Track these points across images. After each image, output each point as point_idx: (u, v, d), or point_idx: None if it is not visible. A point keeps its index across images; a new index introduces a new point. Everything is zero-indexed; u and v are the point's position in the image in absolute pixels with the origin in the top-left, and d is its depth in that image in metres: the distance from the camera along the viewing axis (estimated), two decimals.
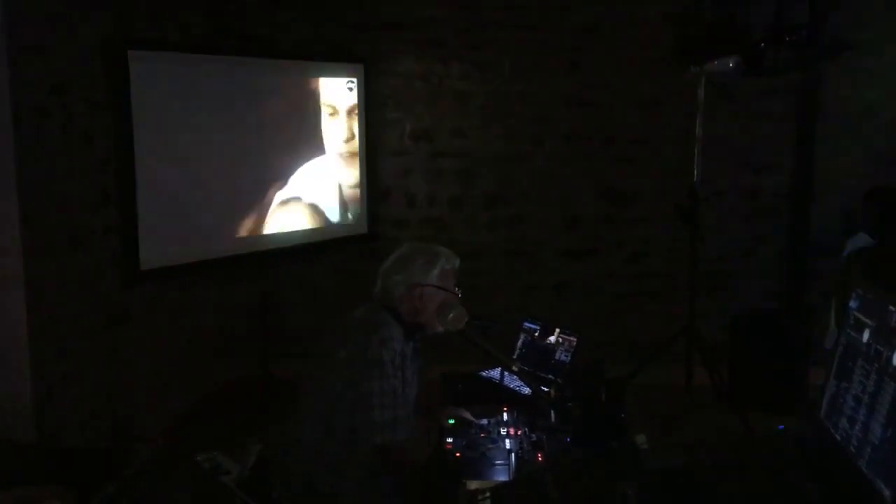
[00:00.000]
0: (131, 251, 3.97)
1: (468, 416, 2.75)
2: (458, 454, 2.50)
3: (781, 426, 1.75)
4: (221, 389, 4.96)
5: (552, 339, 3.35)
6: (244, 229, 4.59)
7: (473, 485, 2.17)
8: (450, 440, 2.59)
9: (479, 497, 1.98)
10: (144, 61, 3.97)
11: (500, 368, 3.16)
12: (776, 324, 4.89)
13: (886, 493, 1.24)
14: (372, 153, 5.25)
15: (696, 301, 4.79)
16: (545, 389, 2.93)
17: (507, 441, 2.58)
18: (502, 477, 2.33)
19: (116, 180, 3.96)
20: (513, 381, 3.17)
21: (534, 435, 2.62)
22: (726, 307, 5.17)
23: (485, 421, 2.74)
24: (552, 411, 2.67)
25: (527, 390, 2.96)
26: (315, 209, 4.99)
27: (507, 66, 5.26)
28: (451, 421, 2.73)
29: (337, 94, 5.02)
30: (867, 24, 4.88)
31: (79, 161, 3.69)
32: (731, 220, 5.27)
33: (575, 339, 3.29)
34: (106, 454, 3.04)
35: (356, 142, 5.15)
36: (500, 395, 3.05)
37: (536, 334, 3.41)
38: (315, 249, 5.03)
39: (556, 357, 3.30)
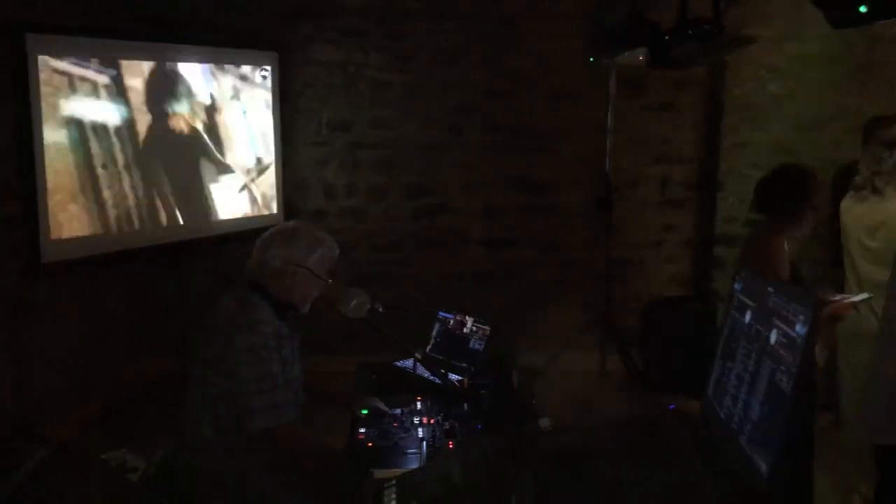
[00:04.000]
0: (32, 244, 3.83)
1: (381, 405, 2.75)
2: (370, 444, 2.50)
3: (672, 405, 1.81)
4: (137, 387, 4.83)
5: (466, 328, 3.37)
6: (155, 219, 4.47)
7: (381, 473, 2.17)
8: (362, 430, 2.58)
9: (385, 485, 1.99)
10: (44, 45, 3.82)
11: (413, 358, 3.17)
12: (685, 309, 5.04)
13: (763, 467, 1.29)
14: (287, 143, 5.18)
15: (610, 289, 4.91)
16: (459, 378, 2.96)
17: (420, 430, 2.59)
18: (413, 465, 2.34)
19: (18, 171, 3.80)
20: (427, 371, 3.18)
21: (447, 423, 2.63)
22: (639, 294, 5.32)
23: (398, 410, 2.75)
24: (463, 399, 2.70)
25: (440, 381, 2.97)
26: (229, 199, 4.90)
27: (426, 56, 5.26)
28: (364, 411, 2.72)
29: (250, 81, 4.93)
30: (769, 20, 5.07)
31: None
32: (643, 210, 5.41)
33: (488, 328, 3.32)
34: (5, 452, 2.92)
35: (271, 131, 5.08)
36: (415, 385, 3.06)
37: (451, 324, 3.43)
38: (229, 240, 4.93)
39: (470, 346, 3.32)
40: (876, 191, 3.29)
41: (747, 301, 1.56)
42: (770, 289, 1.43)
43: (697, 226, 5.42)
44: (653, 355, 5.02)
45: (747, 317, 1.54)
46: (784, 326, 1.35)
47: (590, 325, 4.87)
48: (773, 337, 1.39)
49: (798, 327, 1.30)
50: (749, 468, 1.34)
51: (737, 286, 1.64)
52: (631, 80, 4.99)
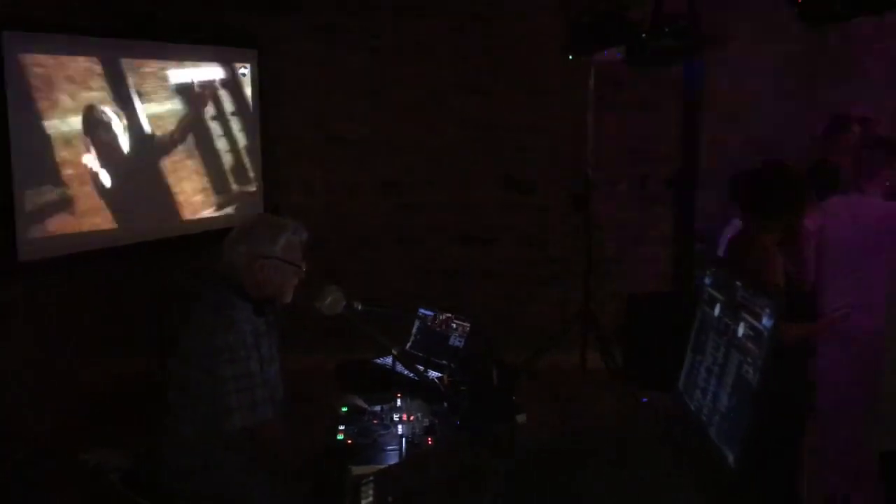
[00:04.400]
0: (8, 242, 3.79)
1: (361, 403, 2.76)
2: (349, 441, 2.50)
3: (644, 399, 1.83)
4: (117, 386, 4.81)
5: (446, 325, 3.38)
6: (134, 219, 4.44)
7: (359, 470, 2.18)
8: (342, 427, 2.59)
9: (363, 481, 1.99)
10: (22, 43, 3.79)
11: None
12: (666, 306, 5.08)
13: (730, 457, 1.31)
14: (266, 140, 5.16)
15: (591, 286, 4.93)
16: (439, 375, 2.96)
17: (400, 427, 2.60)
18: (392, 462, 2.35)
19: None
20: (406, 368, 3.19)
21: (426, 420, 2.64)
22: (619, 291, 5.34)
23: (378, 408, 2.75)
24: (443, 396, 2.71)
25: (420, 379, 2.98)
26: (209, 197, 4.88)
27: (405, 52, 5.26)
28: (345, 409, 2.72)
29: (229, 78, 4.91)
30: (746, 18, 5.11)
31: None
32: (623, 208, 5.45)
33: (468, 325, 3.33)
34: None
35: (249, 128, 5.06)
36: (395, 382, 3.07)
37: (431, 321, 3.44)
38: (211, 239, 4.90)
39: (450, 342, 3.33)
40: (860, 190, 3.34)
41: (717, 295, 1.58)
42: (738, 283, 1.46)
43: (677, 223, 5.46)
44: (633, 352, 5.05)
45: (717, 310, 1.57)
46: (751, 319, 1.37)
47: (570, 323, 4.90)
48: (741, 330, 1.41)
49: (764, 320, 1.32)
50: (717, 459, 1.36)
51: (707, 280, 1.67)
52: (610, 78, 5.02)
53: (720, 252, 3.86)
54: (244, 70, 4.96)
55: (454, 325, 3.35)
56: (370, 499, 1.89)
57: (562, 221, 5.34)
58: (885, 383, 2.63)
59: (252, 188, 5.11)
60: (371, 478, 2.00)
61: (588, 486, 1.44)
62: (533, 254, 5.49)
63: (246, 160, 5.07)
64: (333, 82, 5.27)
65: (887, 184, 3.24)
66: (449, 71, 5.29)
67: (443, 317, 3.38)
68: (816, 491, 3.26)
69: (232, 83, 4.93)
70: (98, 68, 4.20)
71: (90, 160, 4.19)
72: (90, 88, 4.16)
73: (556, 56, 5.11)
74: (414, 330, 3.48)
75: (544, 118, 5.32)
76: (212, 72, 4.83)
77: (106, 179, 4.28)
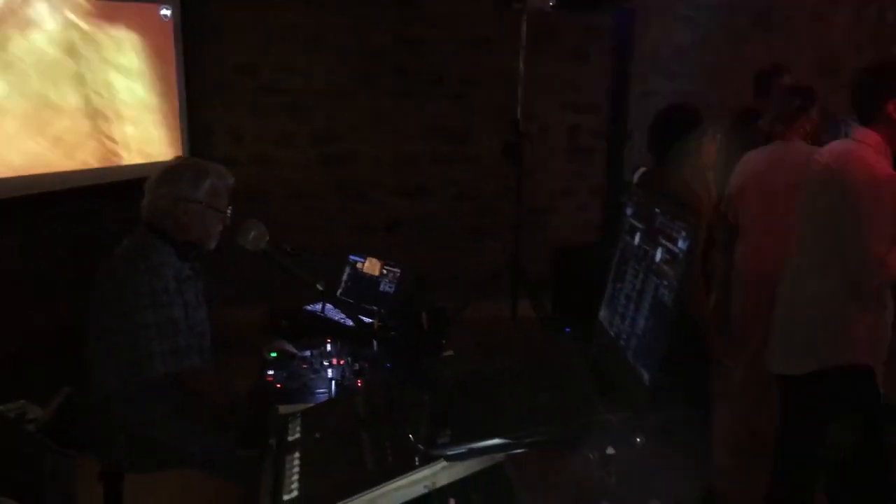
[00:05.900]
0: None
1: (290, 348, 2.75)
2: (278, 385, 2.50)
3: (567, 328, 1.87)
4: (37, 336, 4.66)
5: (377, 271, 3.38)
6: (55, 164, 4.27)
7: (286, 409, 2.17)
8: (271, 372, 2.58)
9: (290, 418, 1.99)
10: None
11: (322, 301, 3.17)
12: (593, 255, 5.17)
13: (646, 377, 1.36)
14: (192, 87, 5.01)
15: (523, 236, 4.99)
16: (370, 320, 2.97)
17: (329, 370, 2.60)
18: None
19: None
20: (337, 314, 3.19)
21: (357, 364, 2.64)
22: (551, 241, 5.42)
23: (307, 352, 2.75)
24: (374, 340, 2.71)
25: (351, 322, 2.99)
26: (133, 145, 4.72)
27: (338, 1, 5.15)
28: (273, 354, 2.71)
29: (150, 21, 4.71)
30: None
31: None
32: (554, 158, 5.50)
33: (398, 271, 3.34)
34: None
35: (173, 75, 4.89)
36: (325, 328, 3.06)
37: (361, 267, 3.43)
38: (133, 188, 4.75)
39: (381, 288, 3.34)
40: (781, 137, 3.44)
41: (637, 224, 1.62)
42: (657, 209, 1.50)
43: (607, 173, 5.54)
44: (561, 300, 5.15)
45: (636, 239, 1.61)
46: (668, 244, 1.41)
47: (501, 273, 4.95)
48: (658, 255, 1.45)
49: (680, 243, 1.36)
50: (634, 380, 1.40)
51: (628, 211, 1.71)
52: (543, 28, 5.02)
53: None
54: (166, 11, 4.77)
55: (385, 272, 3.36)
56: (297, 435, 1.89)
57: (493, 172, 5.36)
58: (777, 309, 2.72)
59: (174, 135, 4.95)
60: (298, 415, 2.00)
61: (507, 407, 1.48)
62: (465, 204, 5.51)
63: (167, 106, 4.90)
64: (263, 29, 5.13)
65: (804, 129, 3.34)
66: (384, 19, 5.21)
67: (372, 262, 3.39)
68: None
69: (152, 25, 4.73)
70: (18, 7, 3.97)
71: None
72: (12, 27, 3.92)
73: (488, 5, 5.09)
74: (344, 276, 3.47)
75: (477, 68, 5.31)
76: (128, 11, 4.62)
77: (14, 123, 4.08)
